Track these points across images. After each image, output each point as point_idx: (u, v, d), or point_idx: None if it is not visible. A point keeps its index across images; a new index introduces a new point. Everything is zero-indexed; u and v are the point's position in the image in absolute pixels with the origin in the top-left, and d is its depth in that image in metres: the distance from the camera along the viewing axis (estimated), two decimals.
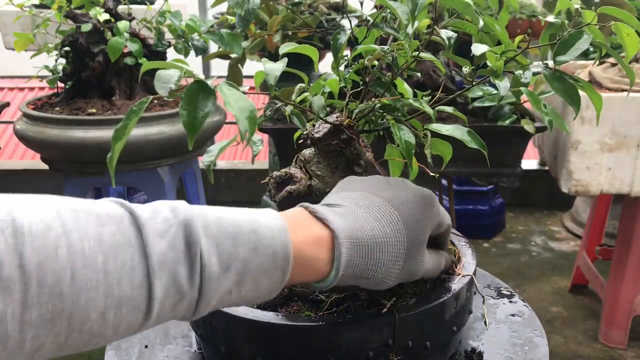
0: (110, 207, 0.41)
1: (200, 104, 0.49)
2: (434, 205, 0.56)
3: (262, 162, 3.15)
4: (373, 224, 0.51)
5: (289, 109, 0.66)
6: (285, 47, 0.60)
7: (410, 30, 0.57)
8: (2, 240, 0.34)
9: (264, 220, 0.46)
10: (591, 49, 0.65)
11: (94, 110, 1.59)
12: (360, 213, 0.51)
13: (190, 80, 0.50)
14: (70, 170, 1.62)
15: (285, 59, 0.58)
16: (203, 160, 0.64)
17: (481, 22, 0.60)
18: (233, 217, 0.45)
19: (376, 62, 0.66)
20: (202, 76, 0.50)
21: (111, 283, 0.38)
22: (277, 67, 0.56)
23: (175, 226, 0.41)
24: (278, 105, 0.65)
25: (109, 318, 0.38)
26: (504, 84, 0.60)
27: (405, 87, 0.65)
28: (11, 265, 0.34)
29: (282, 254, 0.46)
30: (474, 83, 0.65)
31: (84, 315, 0.37)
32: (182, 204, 0.44)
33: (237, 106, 0.49)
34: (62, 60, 1.67)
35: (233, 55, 1.65)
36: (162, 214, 0.42)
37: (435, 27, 0.61)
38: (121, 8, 1.63)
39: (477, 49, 0.60)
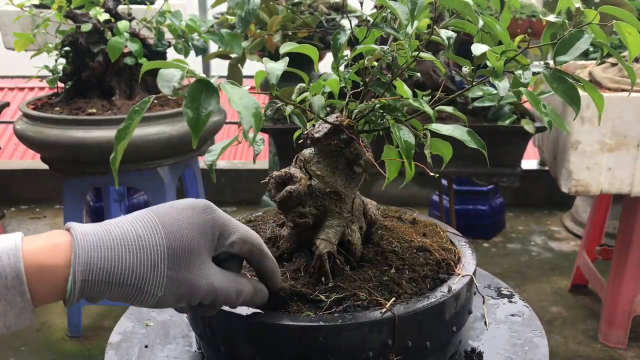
0: None
1: (203, 102, 0.49)
2: (208, 213, 0.52)
3: (262, 162, 3.15)
4: (124, 226, 0.49)
5: (289, 108, 0.66)
6: (286, 47, 0.60)
7: (410, 30, 0.57)
8: None
9: None
10: (591, 49, 0.65)
11: (94, 110, 1.59)
12: (115, 219, 0.50)
13: (193, 79, 0.50)
14: (70, 170, 1.62)
15: (287, 59, 0.58)
16: (205, 160, 0.64)
17: (481, 22, 0.59)
18: None
19: (375, 63, 0.66)
20: (202, 75, 0.50)
21: None
22: (278, 67, 0.56)
23: None
24: (279, 105, 0.65)
25: None
26: (503, 85, 0.60)
27: (404, 89, 0.65)
28: None
29: (12, 273, 0.44)
30: (474, 83, 0.65)
31: None
32: None
33: (241, 104, 0.48)
34: (62, 60, 1.67)
35: (233, 55, 1.65)
36: None
37: (435, 27, 0.61)
38: (121, 8, 1.63)
39: (477, 49, 0.60)
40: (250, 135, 0.49)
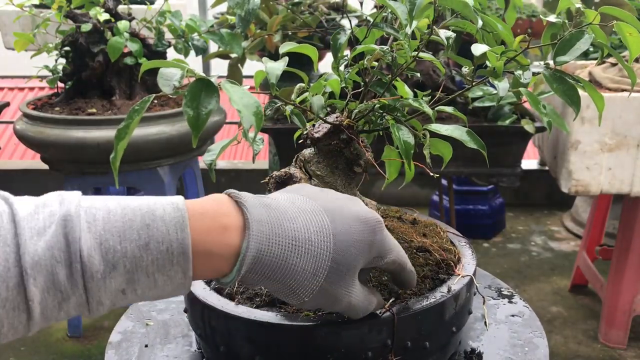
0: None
1: (203, 101, 0.49)
2: (377, 233, 0.50)
3: (262, 162, 3.15)
4: (298, 225, 0.46)
5: (289, 108, 0.66)
6: (285, 47, 0.60)
7: (409, 30, 0.57)
8: None
9: (161, 212, 0.42)
10: (591, 49, 0.65)
11: (94, 110, 1.59)
12: (289, 210, 0.47)
13: (192, 79, 0.50)
14: (70, 170, 1.62)
15: (286, 58, 0.58)
16: (204, 159, 0.64)
17: (480, 22, 0.59)
18: (126, 211, 0.42)
19: (375, 63, 0.66)
20: (202, 74, 0.50)
21: None
22: (278, 67, 0.56)
23: (56, 223, 0.39)
24: (278, 105, 0.65)
25: None
26: (503, 85, 0.60)
27: (405, 89, 0.65)
28: None
29: (178, 249, 0.42)
30: (474, 83, 0.65)
31: None
32: (73, 196, 0.42)
33: (242, 103, 0.48)
34: (62, 60, 1.68)
35: (233, 55, 1.65)
36: (48, 209, 0.40)
37: (435, 27, 0.61)
38: (121, 8, 1.63)
39: (477, 49, 0.60)
40: (251, 134, 0.49)
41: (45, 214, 0.40)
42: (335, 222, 0.47)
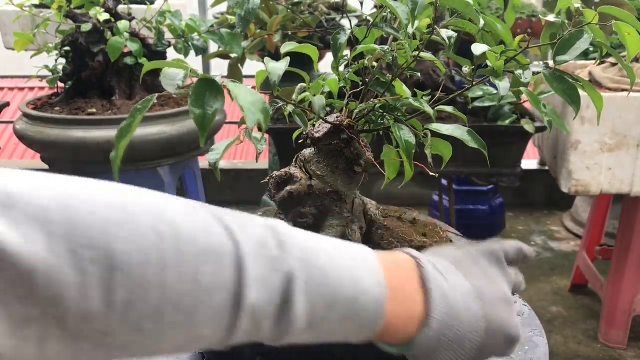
0: (213, 231, 0.37)
1: (208, 100, 0.49)
2: (512, 349, 0.50)
3: (262, 162, 3.15)
4: (463, 331, 0.46)
5: (290, 108, 0.66)
6: (287, 47, 0.60)
7: (410, 30, 0.57)
8: (93, 274, 0.32)
9: (367, 286, 0.42)
10: (591, 49, 0.65)
11: (94, 110, 1.59)
12: (461, 311, 0.46)
13: (195, 79, 0.50)
14: (70, 170, 1.61)
15: (288, 58, 0.58)
16: (208, 159, 0.64)
17: (482, 22, 0.60)
18: (336, 275, 0.41)
19: (375, 63, 0.66)
20: (206, 74, 0.50)
21: (195, 325, 0.36)
22: (280, 67, 0.56)
23: (279, 278, 0.39)
24: (280, 105, 0.65)
25: (184, 351, 0.38)
26: (504, 84, 0.60)
27: (403, 89, 0.65)
28: (98, 298, 0.32)
29: (371, 326, 0.43)
30: (474, 83, 0.65)
31: (162, 352, 0.37)
32: (290, 239, 0.41)
33: (247, 101, 0.48)
34: (62, 60, 1.68)
35: (233, 55, 1.65)
36: (269, 253, 0.39)
37: (436, 27, 0.61)
38: (121, 8, 1.63)
39: (477, 48, 0.60)
40: (255, 133, 0.49)
41: (265, 260, 0.39)
42: (485, 334, 0.47)
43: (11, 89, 4.05)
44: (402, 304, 0.44)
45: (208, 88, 0.49)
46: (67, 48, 1.63)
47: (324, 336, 0.43)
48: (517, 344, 0.50)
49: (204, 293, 0.36)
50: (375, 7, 1.31)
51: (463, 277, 0.48)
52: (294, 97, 0.66)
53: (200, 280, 0.35)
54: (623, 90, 1.57)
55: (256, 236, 0.39)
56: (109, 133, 1.48)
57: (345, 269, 0.42)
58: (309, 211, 0.64)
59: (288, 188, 0.63)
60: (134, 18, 1.64)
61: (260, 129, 0.48)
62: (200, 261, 0.36)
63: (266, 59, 0.58)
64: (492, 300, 0.48)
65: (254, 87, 0.59)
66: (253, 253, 0.38)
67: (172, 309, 0.35)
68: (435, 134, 0.66)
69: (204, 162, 2.74)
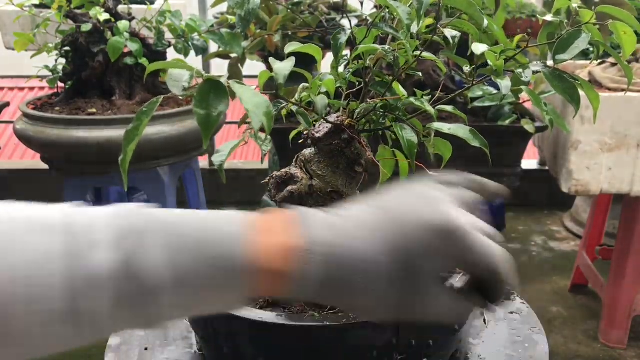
0: (51, 214, 0.39)
1: (213, 102, 0.49)
2: (453, 240, 0.44)
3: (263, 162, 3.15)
4: (357, 243, 0.43)
5: (293, 108, 0.66)
6: (290, 47, 0.61)
7: (415, 29, 0.57)
8: None
9: (232, 228, 0.42)
10: (591, 49, 0.65)
11: (94, 110, 1.59)
12: (351, 228, 0.44)
13: (200, 80, 0.50)
14: (70, 170, 1.62)
15: (293, 58, 0.58)
16: (214, 160, 0.65)
17: (485, 22, 0.60)
18: (191, 229, 0.41)
19: (375, 63, 0.66)
20: (209, 75, 0.50)
21: (34, 296, 0.36)
22: (285, 67, 0.56)
23: (133, 236, 0.39)
24: (284, 106, 0.65)
25: (34, 332, 0.37)
26: (505, 83, 0.60)
27: (401, 90, 0.65)
28: None
29: (241, 265, 0.41)
30: (473, 83, 0.66)
31: (10, 328, 0.36)
32: (147, 213, 0.41)
33: (252, 102, 0.48)
34: (62, 60, 1.68)
35: (233, 55, 1.65)
36: (116, 222, 0.39)
37: (439, 26, 0.61)
38: (121, 8, 1.63)
39: (477, 48, 0.60)
40: (261, 134, 0.49)
41: (109, 227, 0.39)
42: (396, 234, 0.44)
43: (11, 89, 4.05)
44: (274, 235, 0.43)
45: (213, 89, 0.49)
46: (67, 48, 1.63)
47: (197, 300, 0.41)
48: (447, 229, 0.44)
49: (35, 262, 0.37)
50: (375, 7, 1.31)
51: (364, 208, 0.46)
52: (296, 96, 0.66)
53: (35, 249, 0.37)
54: (623, 90, 1.57)
55: (98, 212, 0.40)
56: (109, 133, 1.48)
57: (201, 224, 0.42)
58: None
59: (289, 188, 0.63)
60: (134, 18, 1.64)
61: (264, 131, 0.48)
62: (30, 231, 0.37)
63: (271, 59, 0.58)
64: (398, 206, 0.46)
65: (256, 87, 0.59)
66: (86, 223, 0.39)
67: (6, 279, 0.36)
68: (435, 133, 0.66)
69: (203, 162, 2.74)
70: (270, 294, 0.45)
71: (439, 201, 0.46)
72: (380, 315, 0.45)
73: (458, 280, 0.49)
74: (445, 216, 0.45)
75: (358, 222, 0.45)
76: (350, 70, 0.66)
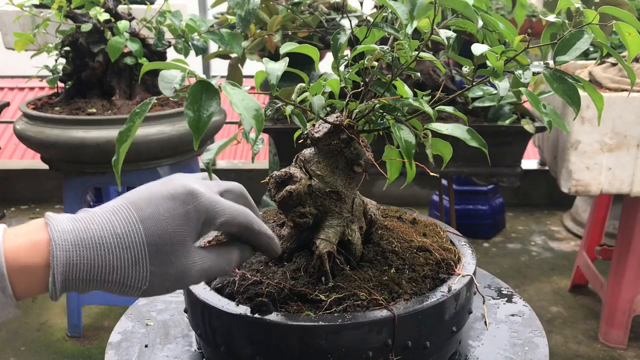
0: None
1: (204, 103, 0.49)
2: (189, 202, 0.50)
3: (262, 162, 3.15)
4: (103, 225, 0.48)
5: (289, 108, 0.66)
6: (286, 47, 0.60)
7: (410, 30, 0.57)
8: None
9: None
10: (591, 49, 0.65)
11: (94, 110, 1.59)
12: (96, 214, 0.49)
13: (194, 80, 0.50)
14: (70, 170, 1.62)
15: (287, 59, 0.58)
16: (202, 158, 0.64)
17: (480, 22, 0.59)
18: None
19: (375, 63, 0.66)
20: (203, 76, 0.50)
21: None
22: (278, 67, 0.56)
23: None
24: (278, 105, 0.65)
25: None
26: (503, 85, 0.60)
27: (405, 89, 0.65)
28: None
29: None
30: (474, 83, 0.65)
31: None
32: None
33: (242, 105, 0.48)
34: (62, 60, 1.68)
35: (233, 55, 1.65)
36: None
37: (435, 27, 0.61)
38: (121, 8, 1.63)
39: (477, 48, 0.60)
40: (252, 136, 0.49)
41: None
42: (142, 210, 0.49)
43: (11, 89, 4.05)
44: (23, 236, 0.47)
45: (205, 91, 0.49)
46: (67, 48, 1.63)
47: None
48: (185, 194, 0.50)
49: None
50: (375, 7, 1.31)
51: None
52: (293, 97, 0.66)
53: None
54: (623, 90, 1.57)
55: None
56: (109, 133, 1.48)
57: None
58: (308, 211, 0.64)
59: (288, 188, 0.63)
60: (134, 18, 1.64)
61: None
62: None
63: (265, 59, 0.58)
64: (139, 190, 0.51)
65: (253, 87, 0.59)
66: None
67: None
68: (435, 134, 0.66)
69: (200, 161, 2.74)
70: (36, 291, 0.47)
71: (182, 178, 0.52)
72: (140, 287, 0.49)
73: (207, 238, 0.56)
74: (182, 185, 0.51)
75: (103, 209, 0.49)
76: (350, 70, 0.66)
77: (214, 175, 0.57)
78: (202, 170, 2.05)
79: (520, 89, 0.62)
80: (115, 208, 0.49)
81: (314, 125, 0.66)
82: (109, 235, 0.47)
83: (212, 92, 0.49)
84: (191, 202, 0.50)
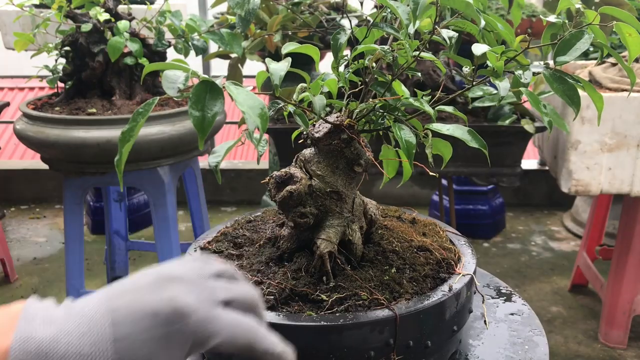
0: None
1: (208, 103, 0.49)
2: (175, 323, 0.43)
3: (262, 162, 3.15)
4: (71, 340, 0.42)
5: (290, 108, 0.66)
6: (288, 47, 0.60)
7: (411, 30, 0.57)
8: None
9: None
10: (591, 49, 0.65)
11: (94, 110, 1.59)
12: (71, 323, 0.42)
13: (196, 80, 0.50)
14: (70, 170, 1.62)
15: (289, 59, 0.58)
16: (209, 161, 0.64)
17: (482, 22, 0.60)
18: None
19: (375, 63, 0.66)
20: (206, 76, 0.50)
21: None
22: (281, 67, 0.56)
23: None
24: (280, 106, 0.65)
25: None
26: (503, 85, 0.60)
27: (402, 89, 0.65)
28: None
29: None
30: (474, 83, 0.65)
31: None
32: None
33: (247, 104, 0.48)
34: (62, 60, 1.67)
35: (233, 55, 1.65)
36: None
37: (437, 27, 0.61)
38: (121, 8, 1.63)
39: (477, 48, 0.60)
40: (256, 135, 0.49)
41: None
42: (118, 325, 0.42)
43: (11, 89, 4.05)
44: None
45: (208, 90, 0.49)
46: (67, 48, 1.63)
47: None
48: (172, 313, 0.43)
49: None
50: (375, 7, 1.31)
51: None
52: (294, 97, 0.66)
53: None
54: (623, 90, 1.57)
55: None
56: (109, 133, 1.48)
57: None
58: (309, 211, 0.64)
59: (288, 188, 0.63)
60: (134, 18, 1.64)
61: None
62: None
63: (267, 59, 0.58)
64: (124, 293, 0.44)
65: (254, 88, 0.59)
66: None
67: None
68: (435, 134, 0.66)
69: (204, 161, 2.74)
70: None
71: (171, 282, 0.45)
72: None
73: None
74: (173, 299, 0.43)
75: (80, 316, 0.43)
76: (350, 70, 0.66)
77: (234, 269, 0.50)
78: (203, 170, 2.05)
79: (521, 89, 0.62)
80: (92, 319, 0.43)
81: (314, 125, 0.66)
82: (73, 354, 0.41)
83: (216, 91, 0.49)
84: (176, 323, 0.43)
